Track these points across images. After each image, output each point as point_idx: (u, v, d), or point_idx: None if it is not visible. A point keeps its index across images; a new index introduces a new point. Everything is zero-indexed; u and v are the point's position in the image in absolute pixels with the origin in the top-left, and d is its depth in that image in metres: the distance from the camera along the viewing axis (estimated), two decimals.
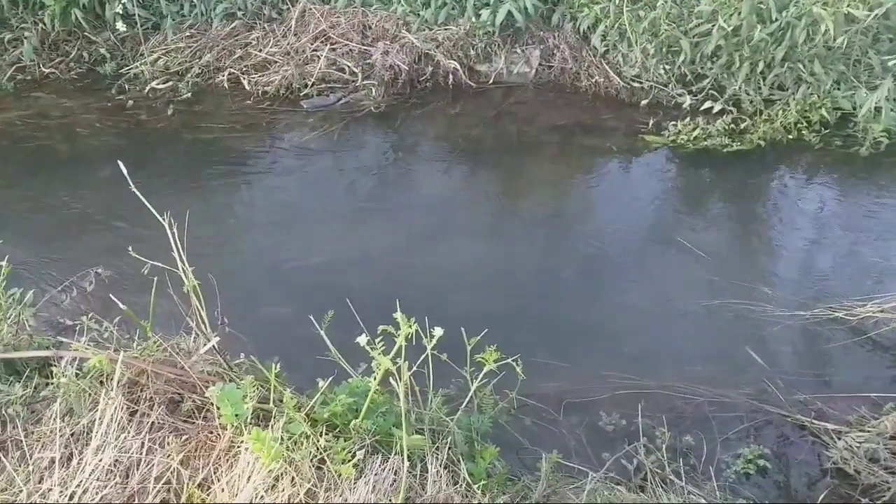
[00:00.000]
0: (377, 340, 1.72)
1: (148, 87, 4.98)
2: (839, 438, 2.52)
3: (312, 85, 4.97)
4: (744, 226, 3.90)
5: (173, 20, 5.27)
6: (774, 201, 4.08)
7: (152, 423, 1.93)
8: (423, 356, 1.85)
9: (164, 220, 2.05)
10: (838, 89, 4.57)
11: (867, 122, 4.36)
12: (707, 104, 4.63)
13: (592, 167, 4.41)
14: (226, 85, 5.04)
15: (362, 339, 1.71)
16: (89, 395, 2.00)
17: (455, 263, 3.63)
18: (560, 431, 2.67)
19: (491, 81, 5.11)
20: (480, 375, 2.08)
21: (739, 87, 4.60)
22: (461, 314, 3.26)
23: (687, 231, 3.79)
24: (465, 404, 2.12)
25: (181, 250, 2.04)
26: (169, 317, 2.31)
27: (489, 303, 3.39)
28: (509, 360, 2.15)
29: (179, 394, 1.99)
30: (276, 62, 5.09)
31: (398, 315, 1.68)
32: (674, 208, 4.04)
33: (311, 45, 5.10)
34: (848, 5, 4.11)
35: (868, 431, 2.52)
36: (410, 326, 1.64)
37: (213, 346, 2.03)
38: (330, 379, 1.92)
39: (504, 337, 3.11)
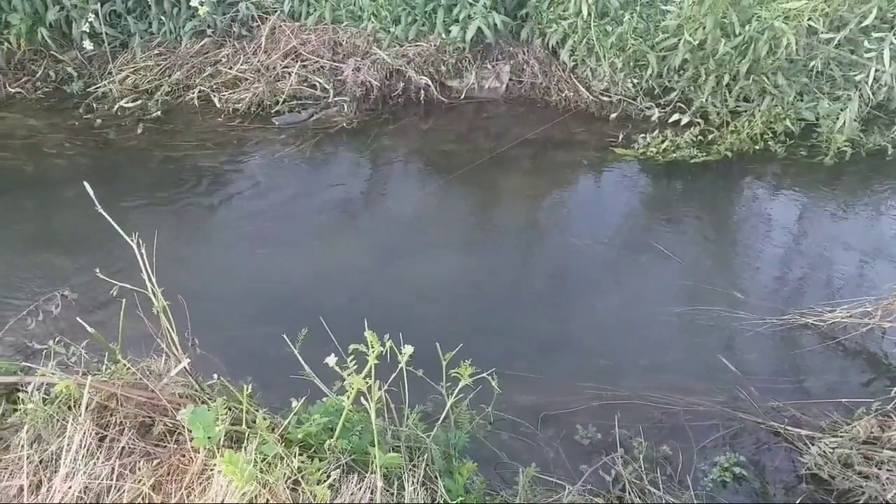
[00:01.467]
0: (349, 359, 1.70)
1: (116, 106, 4.92)
2: (813, 444, 2.55)
3: (284, 102, 4.95)
4: (715, 234, 3.96)
5: (141, 38, 5.22)
6: (743, 210, 4.16)
7: (123, 447, 1.89)
8: (397, 373, 1.84)
9: (132, 240, 2.02)
10: (801, 101, 4.68)
11: (831, 133, 4.47)
12: (675, 116, 4.70)
13: (564, 180, 4.45)
14: (196, 103, 5.00)
15: (331, 360, 1.69)
16: (57, 420, 1.96)
17: (430, 278, 3.63)
18: (538, 444, 2.67)
19: (462, 97, 5.14)
20: (456, 391, 2.07)
21: (706, 100, 4.69)
22: (437, 329, 3.27)
23: (660, 240, 3.84)
24: (441, 420, 2.10)
25: (150, 271, 2.01)
26: (139, 339, 2.27)
27: (465, 317, 3.39)
28: (484, 375, 2.14)
29: (150, 417, 1.95)
30: (247, 79, 5.07)
31: (368, 333, 1.67)
32: (646, 219, 4.09)
33: (282, 62, 5.08)
34: (809, 19, 4.21)
35: (841, 437, 2.56)
36: (382, 345, 1.62)
37: (185, 368, 2.00)
38: (304, 398, 1.90)
39: (480, 351, 3.11)
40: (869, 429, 2.54)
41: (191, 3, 5.09)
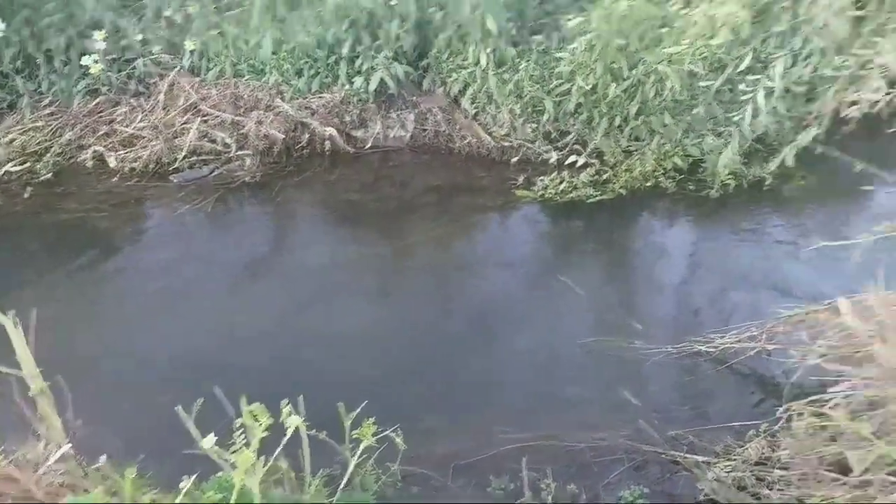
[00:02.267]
0: (236, 433, 1.66)
1: (2, 171, 4.69)
2: (709, 470, 2.66)
3: (183, 158, 4.86)
4: (614, 268, 4.13)
5: (31, 98, 5.03)
6: (639, 244, 4.36)
7: None
8: (290, 440, 1.80)
9: (7, 319, 1.92)
10: (688, 138, 4.97)
11: (715, 167, 4.76)
12: (572, 158, 4.90)
13: (471, 224, 4.54)
14: (90, 163, 4.83)
15: (208, 441, 1.65)
16: None
17: (341, 329, 3.60)
18: (449, 497, 2.67)
19: (368, 146, 5.19)
20: (359, 451, 2.05)
21: (600, 141, 4.91)
22: (348, 382, 3.25)
23: (563, 276, 3.95)
24: (343, 484, 2.07)
25: (26, 350, 1.92)
26: (17, 425, 2.14)
27: (377, 368, 3.38)
28: (388, 432, 2.14)
29: None
30: (144, 137, 4.95)
31: (254, 406, 1.65)
32: (549, 257, 4.22)
33: (181, 118, 5.00)
34: (689, 63, 4.50)
35: (734, 460, 2.68)
36: (269, 418, 1.60)
37: (67, 454, 1.90)
38: (195, 476, 1.83)
39: (393, 401, 3.13)
40: (759, 450, 2.67)
41: (83, 62, 4.96)
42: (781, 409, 2.82)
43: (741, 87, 4.30)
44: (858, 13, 4.65)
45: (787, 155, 3.91)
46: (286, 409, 1.82)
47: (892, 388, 2.56)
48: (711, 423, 2.95)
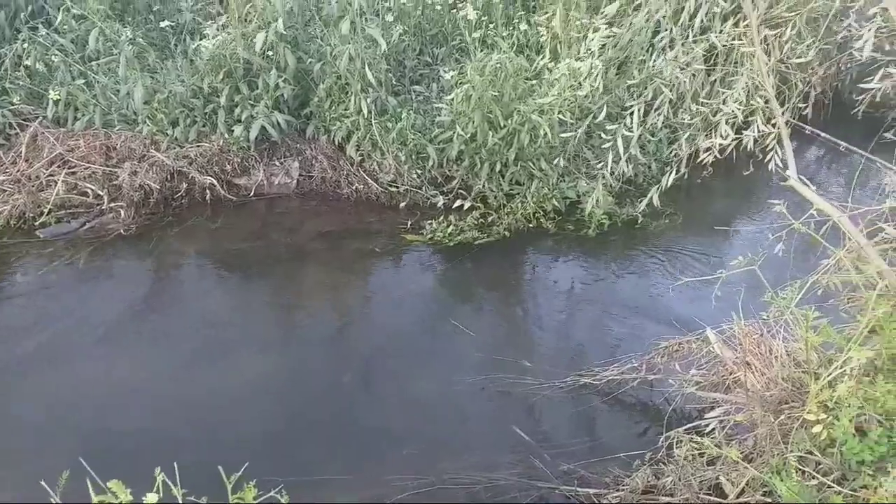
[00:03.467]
0: None
1: None
2: (600, 502, 2.74)
3: (50, 212, 4.56)
4: (502, 307, 4.23)
5: None
6: (525, 283, 4.51)
7: None
8: None
9: None
10: (564, 181, 5.25)
11: (591, 208, 5.04)
12: (458, 202, 5.04)
13: (362, 269, 4.53)
14: None
15: None
16: None
17: (227, 384, 3.46)
18: None
19: (252, 194, 5.09)
20: None
21: (483, 185, 5.09)
22: (236, 439, 3.11)
23: (455, 317, 4.01)
24: None
25: None
26: None
27: (268, 422, 3.26)
28: (272, 493, 2.06)
29: None
30: (5, 191, 4.61)
31: (113, 483, 1.54)
32: (440, 299, 4.27)
33: (46, 170, 4.71)
34: (559, 113, 4.78)
35: (623, 490, 2.78)
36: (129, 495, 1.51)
37: None
38: None
39: (284, 457, 3.02)
40: (645, 479, 2.79)
41: None
42: (663, 437, 2.96)
43: (601, 135, 4.61)
44: (705, 67, 5.16)
45: (654, 196, 4.20)
46: (160, 478, 1.72)
47: (759, 412, 2.76)
48: (600, 455, 3.05)
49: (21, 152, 4.76)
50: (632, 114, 4.03)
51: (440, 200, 5.11)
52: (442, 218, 4.85)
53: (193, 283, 4.30)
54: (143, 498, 1.60)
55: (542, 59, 4.99)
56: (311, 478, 2.91)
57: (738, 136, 3.81)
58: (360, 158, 5.24)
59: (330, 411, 3.35)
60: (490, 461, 3.01)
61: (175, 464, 1.81)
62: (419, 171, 5.19)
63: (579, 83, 4.76)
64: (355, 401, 3.42)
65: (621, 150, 4.14)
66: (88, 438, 3.04)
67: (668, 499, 2.71)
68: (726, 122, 3.85)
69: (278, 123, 4.96)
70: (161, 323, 3.89)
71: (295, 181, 5.25)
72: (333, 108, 5.10)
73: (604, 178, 4.58)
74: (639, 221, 5.12)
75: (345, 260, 4.61)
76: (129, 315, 3.88)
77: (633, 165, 5.29)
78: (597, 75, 4.50)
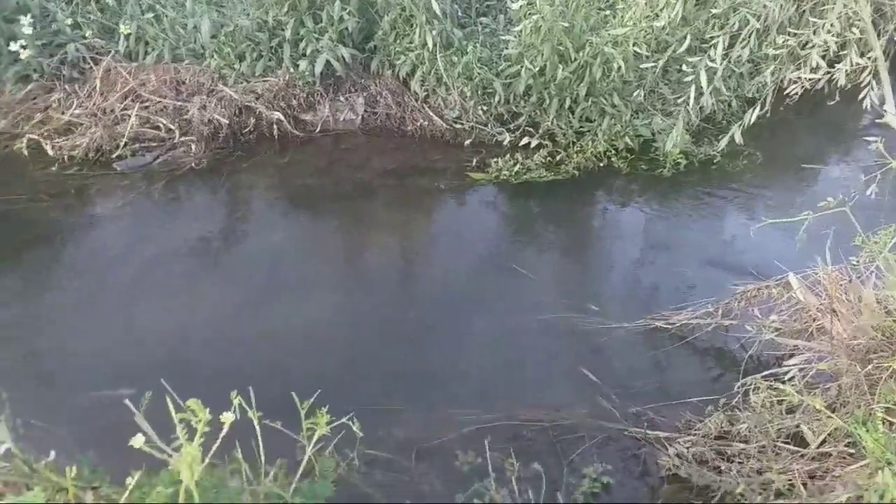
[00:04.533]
0: (179, 429, 1.58)
1: None
2: (671, 445, 2.68)
3: (125, 145, 4.66)
4: (569, 249, 4.13)
5: None
6: (594, 224, 4.38)
7: None
8: (220, 437, 1.73)
9: None
10: (637, 118, 5.02)
11: (666, 147, 4.81)
12: (525, 140, 4.89)
13: (426, 207, 4.48)
14: (25, 152, 4.59)
15: (137, 441, 1.57)
16: None
17: (297, 319, 3.51)
18: (412, 480, 2.63)
19: (318, 130, 5.08)
20: (314, 439, 1.99)
21: (552, 122, 4.91)
22: (306, 370, 3.17)
23: (519, 258, 3.95)
24: (300, 473, 2.01)
25: None
26: None
27: (334, 356, 3.30)
28: (344, 420, 2.08)
29: None
30: (82, 124, 4.72)
31: (192, 402, 1.57)
32: (505, 239, 4.20)
33: (120, 104, 4.79)
34: (634, 44, 4.53)
35: (694, 435, 2.71)
36: (207, 413, 1.53)
37: (8, 452, 1.77)
38: (140, 471, 1.74)
39: (352, 389, 3.07)
40: (719, 424, 2.70)
41: (11, 48, 4.70)
42: (739, 384, 2.85)
43: (679, 69, 4.34)
44: None
45: (736, 132, 3.96)
46: (236, 401, 1.75)
47: (844, 361, 2.62)
48: (671, 399, 2.98)
49: (96, 86, 4.85)
50: (716, 45, 3.76)
51: (506, 138, 4.98)
52: (508, 156, 4.73)
53: (263, 218, 4.35)
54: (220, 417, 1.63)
55: None
56: (375, 408, 2.94)
57: (829, 70, 3.53)
58: (424, 94, 5.13)
59: (394, 346, 3.37)
60: (556, 400, 2.98)
61: (251, 388, 1.84)
62: (485, 108, 5.05)
63: (656, 14, 4.49)
64: (419, 336, 3.43)
65: (704, 83, 3.89)
66: (163, 366, 3.15)
67: (742, 445, 2.62)
68: (819, 54, 3.56)
69: (343, 57, 4.88)
70: (232, 256, 3.96)
71: (360, 117, 5.19)
72: (398, 41, 4.98)
73: (687, 113, 4.33)
74: (716, 161, 4.87)
75: (409, 197, 4.57)
76: (201, 248, 3.97)
77: (713, 101, 5.00)
78: (675, 4, 4.21)
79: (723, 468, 2.55)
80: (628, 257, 4.02)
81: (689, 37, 4.15)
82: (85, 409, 2.93)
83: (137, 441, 1.54)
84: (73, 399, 2.97)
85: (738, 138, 4.02)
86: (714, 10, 4.61)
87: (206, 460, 1.56)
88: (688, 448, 2.62)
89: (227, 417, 1.59)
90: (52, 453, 2.07)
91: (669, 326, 3.37)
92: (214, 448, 1.63)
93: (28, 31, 4.71)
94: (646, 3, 4.38)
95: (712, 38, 4.01)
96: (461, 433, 2.81)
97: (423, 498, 2.55)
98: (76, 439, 2.66)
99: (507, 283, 3.76)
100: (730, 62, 4.13)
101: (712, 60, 3.84)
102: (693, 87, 4.01)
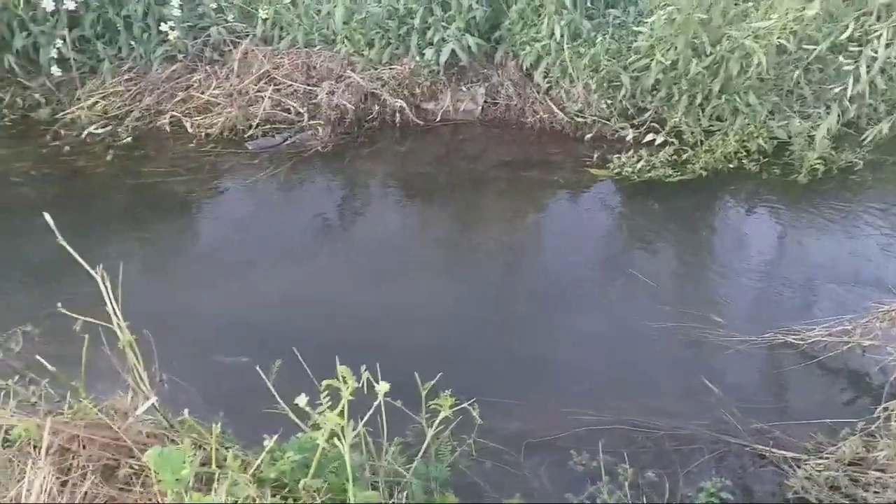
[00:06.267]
0: (322, 395, 1.63)
1: (85, 133, 4.82)
2: (799, 467, 2.52)
3: (257, 126, 4.89)
4: (691, 254, 3.96)
5: (111, 63, 5.13)
6: (719, 229, 4.17)
7: (85, 492, 1.79)
8: (375, 406, 1.76)
9: (97, 272, 1.93)
10: (773, 119, 4.73)
11: (803, 151, 4.51)
12: (649, 136, 4.72)
13: (541, 201, 4.43)
14: (167, 128, 4.92)
15: (302, 400, 1.62)
16: (17, 464, 1.85)
17: (409, 303, 3.57)
18: (522, 474, 2.61)
19: (438, 119, 5.12)
20: (436, 422, 2.00)
21: (680, 119, 4.72)
22: (417, 354, 3.21)
23: (636, 261, 3.82)
24: (421, 453, 2.03)
25: (115, 303, 1.93)
26: (105, 375, 2.17)
27: (445, 342, 3.33)
28: (466, 405, 2.09)
29: (115, 459, 1.86)
30: (219, 104, 5.00)
31: (342, 368, 1.60)
32: (622, 239, 4.08)
33: (255, 86, 5.03)
34: (778, 38, 4.26)
35: (826, 458, 2.53)
36: (355, 381, 1.56)
37: (154, 405, 1.91)
38: (276, 435, 1.81)
39: (461, 378, 3.05)
40: (854, 450, 2.51)
41: (161, 28, 5.03)
42: (880, 408, 2.64)
43: (840, 58, 4.04)
44: None
45: (884, 126, 3.62)
46: (365, 375, 1.79)
47: None
48: (799, 419, 2.80)
49: (234, 68, 5.11)
50: (879, 35, 3.46)
51: (629, 134, 4.83)
52: (631, 152, 4.58)
53: (380, 203, 4.45)
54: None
55: None
56: (485, 398, 2.93)
57: None
58: (547, 86, 5.06)
59: (505, 338, 3.35)
60: (674, 409, 2.87)
61: (378, 364, 1.88)
62: (609, 101, 4.92)
63: (803, 6, 4.21)
64: (527, 331, 3.39)
65: (864, 73, 3.60)
66: (282, 339, 3.27)
67: (878, 473, 2.43)
68: None
69: (468, 47, 4.89)
70: (351, 238, 4.08)
71: (480, 108, 5.20)
72: (524, 31, 4.93)
73: (838, 106, 4.01)
74: (857, 169, 4.52)
75: (525, 190, 4.54)
76: (322, 228, 4.11)
77: (857, 106, 4.64)
78: None
79: (857, 496, 2.37)
80: (755, 267, 3.80)
81: (849, 26, 3.84)
82: (209, 373, 3.10)
83: (302, 400, 1.60)
84: (198, 362, 3.14)
85: (886, 129, 3.69)
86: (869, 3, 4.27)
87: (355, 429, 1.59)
88: (819, 471, 2.45)
89: (383, 386, 1.62)
90: (186, 411, 2.21)
91: (800, 342, 3.16)
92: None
93: (177, 13, 5.03)
94: None
95: (872, 28, 3.72)
96: (573, 432, 2.76)
97: (532, 495, 2.52)
98: (204, 399, 2.83)
99: (624, 285, 3.65)
100: (890, 57, 3.81)
101: (875, 51, 3.54)
102: (851, 79, 3.71)
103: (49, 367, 1.89)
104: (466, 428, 2.32)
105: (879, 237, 3.99)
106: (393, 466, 1.97)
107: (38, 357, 1.95)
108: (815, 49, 4.13)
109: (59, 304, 1.98)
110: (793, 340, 3.16)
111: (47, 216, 1.91)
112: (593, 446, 2.65)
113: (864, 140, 4.38)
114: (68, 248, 1.87)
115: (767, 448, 2.63)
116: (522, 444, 2.71)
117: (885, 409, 2.60)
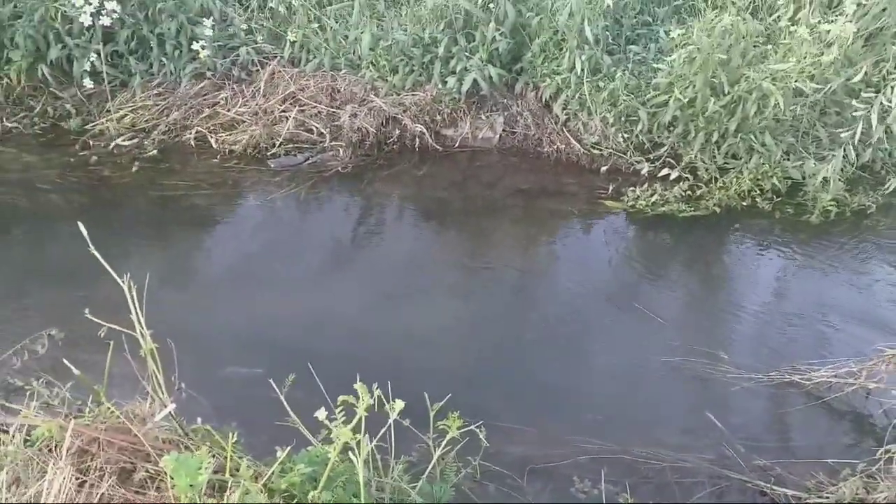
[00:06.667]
0: (337, 410, 1.69)
1: (113, 144, 4.96)
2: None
3: (280, 145, 5.01)
4: (701, 290, 4.00)
5: (142, 78, 5.29)
6: (730, 266, 4.21)
7: (102, 494, 1.86)
8: (387, 426, 1.83)
9: (123, 281, 2.02)
10: (788, 159, 4.78)
11: (816, 192, 4.56)
12: (664, 171, 4.79)
13: (555, 230, 4.50)
14: (193, 143, 5.05)
15: (321, 414, 1.68)
16: (38, 463, 1.92)
17: (420, 325, 3.63)
18: (524, 498, 2.65)
19: (457, 145, 5.22)
20: (443, 442, 2.06)
21: (695, 156, 4.79)
22: (426, 376, 3.27)
23: (646, 294, 3.87)
24: (427, 472, 2.09)
25: (139, 312, 2.01)
26: (125, 381, 2.26)
27: (454, 365, 3.38)
28: (472, 427, 2.14)
29: (132, 463, 1.92)
30: (245, 122, 5.13)
31: (358, 385, 1.67)
32: (634, 271, 4.12)
33: (280, 106, 5.16)
34: (796, 81, 4.33)
35: (827, 498, 2.55)
36: (371, 397, 1.62)
37: (170, 413, 1.98)
38: (289, 447, 1.88)
39: (468, 400, 3.11)
40: (854, 490, 2.53)
41: (192, 47, 5.19)
42: (881, 450, 2.66)
43: (854, 103, 4.11)
44: None
45: None
46: (377, 392, 1.85)
47: None
48: (801, 458, 2.82)
49: (260, 88, 5.25)
50: (891, 86, 3.54)
51: (644, 167, 4.90)
52: (646, 186, 4.65)
53: (396, 225, 4.53)
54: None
55: (780, 18, 4.53)
56: (491, 421, 2.98)
57: None
58: (565, 117, 5.15)
59: (512, 364, 3.40)
60: (678, 442, 2.90)
61: (389, 383, 1.94)
62: (626, 135, 5.00)
63: (821, 51, 4.28)
64: (536, 358, 3.44)
65: (875, 121, 3.67)
66: (294, 356, 3.34)
67: None
68: None
69: (490, 77, 5.00)
70: (366, 259, 4.15)
71: (498, 136, 5.29)
72: (546, 63, 5.04)
73: (845, 155, 4.08)
74: (870, 212, 4.56)
75: (539, 219, 4.60)
76: (338, 248, 4.20)
77: (881, 144, 4.69)
78: (848, 39, 4.00)
79: None
80: (764, 305, 3.84)
81: (863, 71, 3.92)
82: (221, 383, 3.17)
83: (320, 414, 1.66)
84: (211, 372, 3.22)
85: None
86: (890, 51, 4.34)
87: (369, 445, 1.65)
88: None
89: (398, 405, 1.68)
90: (199, 420, 2.28)
91: (805, 382, 3.19)
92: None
93: (209, 32, 5.20)
94: (814, 39, 4.19)
95: (889, 75, 3.79)
96: (576, 460, 2.80)
97: None
98: (215, 409, 2.90)
99: (632, 319, 3.69)
100: None
101: (888, 99, 3.61)
102: (861, 124, 3.78)
103: (74, 370, 1.97)
104: (472, 450, 2.37)
105: (889, 280, 4.01)
106: (399, 484, 2.02)
107: (64, 360, 2.02)
108: (824, 88, 4.19)
109: (87, 311, 2.06)
110: (798, 380, 3.18)
111: (81, 226, 2.01)
112: (596, 475, 2.69)
113: (887, 189, 4.43)
114: (99, 257, 1.96)
115: (768, 485, 2.65)
116: (526, 469, 2.75)
117: (887, 450, 2.62)
